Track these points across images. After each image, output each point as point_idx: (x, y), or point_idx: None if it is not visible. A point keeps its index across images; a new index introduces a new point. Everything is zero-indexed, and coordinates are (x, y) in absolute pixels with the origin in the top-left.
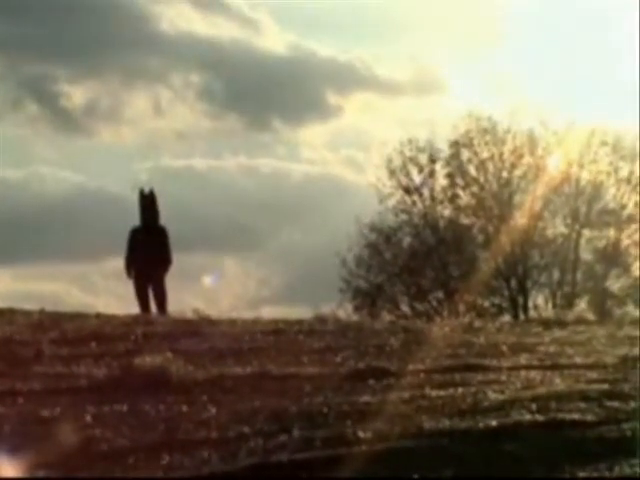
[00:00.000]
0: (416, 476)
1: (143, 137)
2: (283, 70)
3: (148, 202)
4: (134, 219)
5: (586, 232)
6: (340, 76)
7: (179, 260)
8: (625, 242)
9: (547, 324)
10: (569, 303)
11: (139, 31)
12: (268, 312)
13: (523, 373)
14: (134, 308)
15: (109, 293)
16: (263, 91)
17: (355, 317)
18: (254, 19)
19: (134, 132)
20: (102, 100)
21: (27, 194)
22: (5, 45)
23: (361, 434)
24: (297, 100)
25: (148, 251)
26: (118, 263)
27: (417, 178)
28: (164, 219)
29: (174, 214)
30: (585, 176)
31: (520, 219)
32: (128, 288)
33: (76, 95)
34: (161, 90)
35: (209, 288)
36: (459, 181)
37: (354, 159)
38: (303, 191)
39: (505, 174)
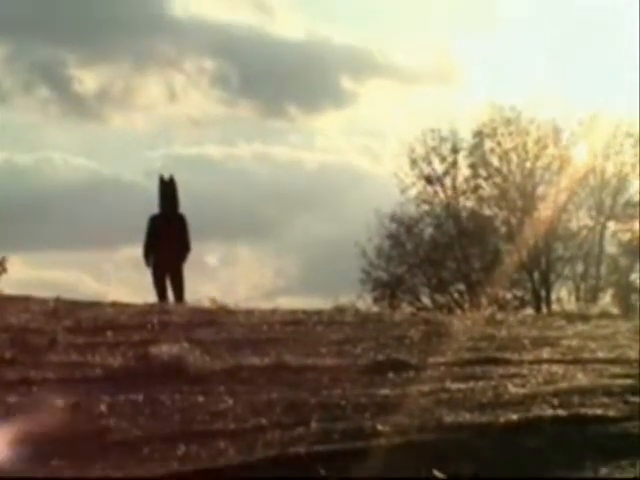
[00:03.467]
0: (436, 471)
1: (156, 124)
2: (298, 56)
3: (168, 189)
4: (147, 207)
5: (611, 225)
6: (356, 62)
7: (193, 249)
8: None
9: (570, 317)
10: (593, 297)
11: (151, 15)
12: (284, 302)
13: (545, 367)
14: (148, 297)
15: (122, 282)
16: (277, 77)
17: (375, 308)
18: (268, 3)
19: (147, 118)
20: (114, 85)
21: (38, 180)
22: (15, 28)
23: (380, 427)
24: (312, 87)
25: (167, 239)
26: (131, 251)
27: (439, 168)
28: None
29: (188, 202)
30: (610, 168)
31: (544, 211)
32: (141, 277)
33: (87, 80)
34: (174, 76)
35: (214, 268)
36: (482, 172)
37: (369, 148)
38: (318, 179)
39: (529, 165)
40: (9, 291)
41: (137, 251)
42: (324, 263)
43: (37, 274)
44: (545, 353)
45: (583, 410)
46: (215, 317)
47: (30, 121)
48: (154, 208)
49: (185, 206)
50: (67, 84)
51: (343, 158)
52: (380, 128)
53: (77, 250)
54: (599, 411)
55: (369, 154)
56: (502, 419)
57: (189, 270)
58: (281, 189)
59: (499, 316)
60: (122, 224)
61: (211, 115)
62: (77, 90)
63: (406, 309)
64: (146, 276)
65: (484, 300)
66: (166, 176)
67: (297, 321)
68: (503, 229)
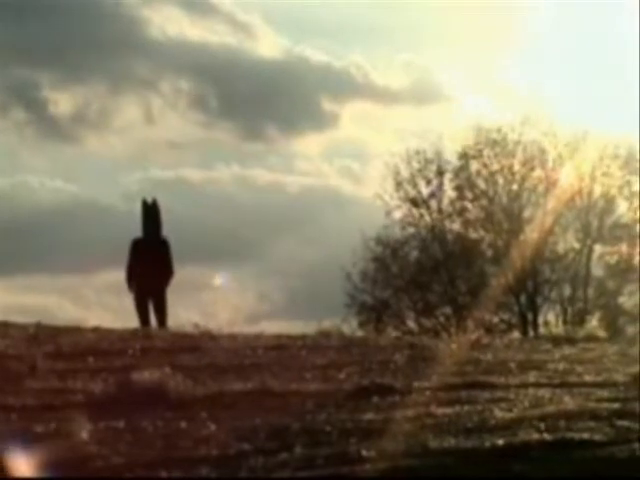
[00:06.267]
0: None
1: (133, 146)
2: (277, 76)
3: (151, 213)
4: (126, 230)
5: (598, 247)
6: (336, 83)
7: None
8: (638, 257)
9: (557, 341)
10: (580, 320)
11: (127, 36)
12: (268, 327)
13: (531, 391)
14: (128, 322)
15: (103, 307)
16: (256, 99)
17: (360, 333)
18: (246, 23)
19: (123, 141)
20: (90, 107)
21: (15, 203)
22: None
23: (364, 452)
24: (292, 108)
25: (150, 264)
26: (111, 276)
27: (425, 190)
28: None
29: (166, 226)
30: (597, 189)
31: (530, 233)
32: (121, 302)
33: (63, 102)
34: (151, 97)
35: (219, 287)
36: (468, 194)
37: (351, 169)
38: (300, 202)
39: (515, 187)
40: None
41: (117, 275)
42: (308, 287)
43: (15, 299)
44: (532, 377)
45: (570, 434)
46: (198, 342)
47: (5, 143)
48: (133, 232)
49: (164, 230)
50: (43, 106)
51: (324, 180)
52: (362, 150)
53: (56, 274)
54: (586, 435)
55: (351, 176)
56: (488, 444)
57: (168, 295)
58: (262, 212)
59: (485, 340)
60: (101, 248)
61: (189, 137)
62: (53, 112)
63: (392, 333)
64: (128, 301)
65: (471, 324)
66: (149, 200)
67: (281, 346)
68: (489, 252)
